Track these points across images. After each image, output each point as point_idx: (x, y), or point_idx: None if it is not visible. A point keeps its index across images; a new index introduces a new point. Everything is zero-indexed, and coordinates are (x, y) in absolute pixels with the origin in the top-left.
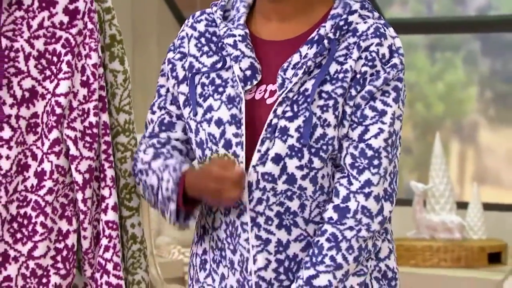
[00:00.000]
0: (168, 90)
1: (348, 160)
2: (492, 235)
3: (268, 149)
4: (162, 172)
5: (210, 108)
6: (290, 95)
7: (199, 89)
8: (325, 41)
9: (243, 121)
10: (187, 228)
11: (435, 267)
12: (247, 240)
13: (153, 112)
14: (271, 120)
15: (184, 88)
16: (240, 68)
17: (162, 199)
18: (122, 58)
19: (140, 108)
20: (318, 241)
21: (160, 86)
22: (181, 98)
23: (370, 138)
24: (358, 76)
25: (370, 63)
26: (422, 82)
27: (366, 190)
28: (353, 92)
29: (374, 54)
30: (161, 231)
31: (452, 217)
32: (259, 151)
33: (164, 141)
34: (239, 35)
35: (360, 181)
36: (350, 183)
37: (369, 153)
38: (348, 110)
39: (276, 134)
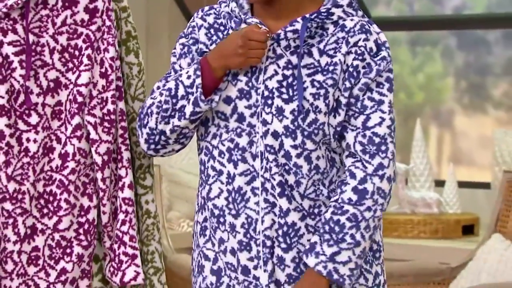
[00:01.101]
0: (181, 66)
1: (358, 147)
2: (466, 209)
3: (266, 122)
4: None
5: (218, 89)
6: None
7: None
8: (299, 18)
9: (260, 90)
10: (215, 102)
11: (415, 238)
12: (257, 203)
13: (167, 81)
14: (263, 91)
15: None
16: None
17: (184, 90)
18: (137, 52)
19: None
20: (339, 220)
21: (174, 63)
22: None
23: (374, 126)
24: (350, 69)
25: (360, 57)
26: (404, 74)
27: (380, 172)
28: (348, 84)
29: (362, 49)
30: (172, 206)
31: (430, 193)
32: (261, 122)
33: None
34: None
35: (373, 165)
36: (365, 167)
37: (377, 140)
38: (343, 100)
39: (273, 111)
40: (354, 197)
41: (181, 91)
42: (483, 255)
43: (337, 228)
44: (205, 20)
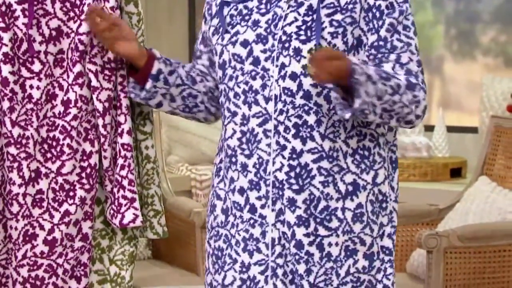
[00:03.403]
0: (204, 32)
1: (401, 73)
2: (454, 153)
3: (284, 65)
4: None
5: (236, 33)
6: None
7: (228, 19)
8: None
9: (277, 36)
10: (140, 98)
11: (405, 181)
12: (268, 145)
13: (194, 51)
14: (280, 37)
15: (215, 21)
16: None
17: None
18: (136, 2)
19: (152, 44)
20: (388, 75)
21: (201, 31)
22: (211, 31)
23: (408, 63)
24: (374, 10)
25: None
26: None
27: (423, 93)
28: (371, 25)
29: None
30: (171, 151)
31: (420, 138)
32: (277, 66)
33: (191, 65)
34: None
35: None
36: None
37: (412, 73)
38: (366, 39)
39: (291, 53)
40: (405, 82)
41: None
42: (470, 196)
43: (384, 75)
44: None
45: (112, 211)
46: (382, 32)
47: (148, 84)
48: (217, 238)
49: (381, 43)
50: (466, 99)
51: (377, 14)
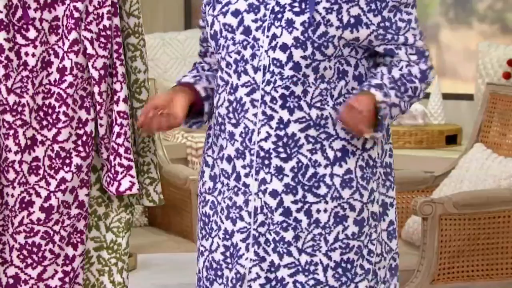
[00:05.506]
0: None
1: (413, 57)
2: (450, 120)
3: (275, 35)
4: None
5: (228, 3)
6: None
7: None
8: None
9: (270, 6)
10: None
11: (401, 148)
12: (255, 115)
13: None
14: (273, 7)
15: None
16: None
17: None
18: None
19: (147, 12)
20: (405, 82)
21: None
22: (204, 2)
23: (414, 43)
24: None
25: None
26: None
27: (431, 74)
28: (373, 6)
29: None
30: None
31: (416, 105)
32: (267, 36)
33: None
34: None
35: (426, 69)
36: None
37: (421, 50)
38: (366, 19)
39: (283, 24)
40: (419, 77)
41: None
42: (465, 164)
43: (403, 88)
44: None
45: (108, 179)
46: (385, 13)
47: (205, 117)
48: (204, 204)
49: (387, 23)
50: (462, 66)
51: None
